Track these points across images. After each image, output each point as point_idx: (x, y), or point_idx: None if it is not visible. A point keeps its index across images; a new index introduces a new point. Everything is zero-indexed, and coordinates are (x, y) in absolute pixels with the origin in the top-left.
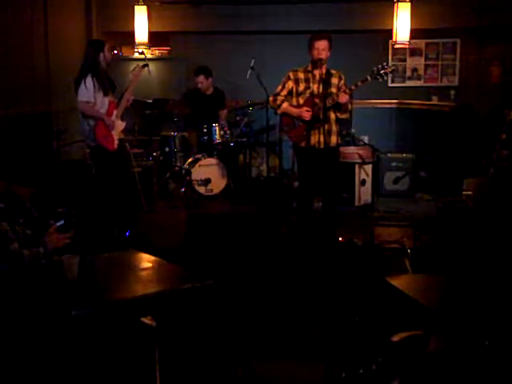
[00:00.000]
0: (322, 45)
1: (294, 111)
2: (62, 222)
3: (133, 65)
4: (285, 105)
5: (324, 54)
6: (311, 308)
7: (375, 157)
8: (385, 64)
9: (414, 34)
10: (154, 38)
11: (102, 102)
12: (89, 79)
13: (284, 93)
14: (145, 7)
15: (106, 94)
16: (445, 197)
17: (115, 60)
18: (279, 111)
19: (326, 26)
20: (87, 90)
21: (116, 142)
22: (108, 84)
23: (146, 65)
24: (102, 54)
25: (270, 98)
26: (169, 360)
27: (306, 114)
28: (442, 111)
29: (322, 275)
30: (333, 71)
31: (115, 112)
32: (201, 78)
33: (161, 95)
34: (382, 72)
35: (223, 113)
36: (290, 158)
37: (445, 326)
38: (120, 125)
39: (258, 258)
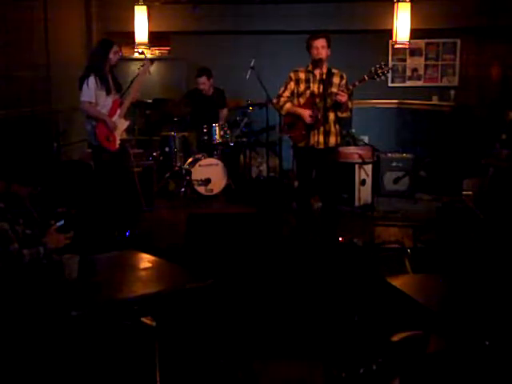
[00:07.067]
0: (320, 43)
1: (298, 110)
2: (62, 222)
3: (133, 65)
4: (288, 105)
5: (324, 53)
6: (311, 308)
7: (375, 157)
8: (382, 64)
9: (414, 34)
10: (154, 38)
11: (105, 102)
12: (91, 79)
13: (286, 94)
14: (145, 7)
15: (108, 94)
16: (445, 197)
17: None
18: (283, 112)
19: (326, 26)
20: (89, 90)
21: (118, 141)
22: (113, 83)
23: (152, 61)
24: (108, 54)
25: (274, 101)
26: (169, 360)
27: (309, 118)
28: (441, 111)
29: (322, 275)
30: (334, 70)
31: (119, 111)
32: (203, 79)
33: (161, 95)
34: (379, 72)
35: (223, 112)
36: (290, 158)
37: (445, 326)
38: (123, 124)
39: (258, 258)
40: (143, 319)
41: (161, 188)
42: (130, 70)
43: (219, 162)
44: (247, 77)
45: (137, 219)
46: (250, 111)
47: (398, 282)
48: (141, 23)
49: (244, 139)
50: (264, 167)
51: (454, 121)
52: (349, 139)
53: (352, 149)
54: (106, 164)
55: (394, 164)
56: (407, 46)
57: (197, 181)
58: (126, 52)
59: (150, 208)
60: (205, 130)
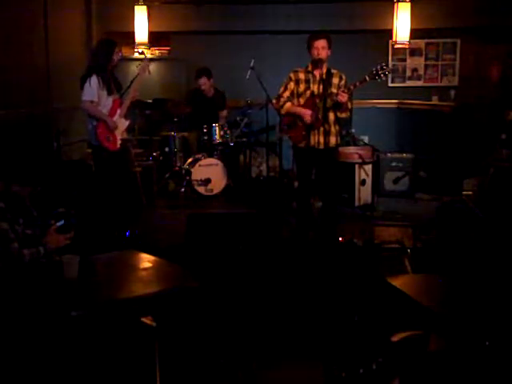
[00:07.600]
0: (320, 43)
1: (298, 110)
2: (62, 222)
3: (132, 65)
4: (288, 105)
5: (324, 53)
6: (311, 308)
7: (375, 157)
8: (383, 64)
9: (414, 34)
10: (154, 38)
11: (106, 101)
12: (94, 78)
13: (286, 94)
14: (145, 7)
15: (109, 94)
16: (445, 197)
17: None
18: (283, 112)
19: (326, 26)
20: (91, 89)
21: (119, 141)
22: (114, 84)
23: (150, 60)
24: (112, 54)
25: (274, 101)
26: (169, 360)
27: (309, 117)
28: (441, 111)
29: (321, 275)
30: (334, 71)
31: (119, 111)
32: (203, 79)
33: (161, 95)
34: (380, 72)
35: (223, 113)
36: (290, 158)
37: (445, 326)
38: (123, 123)
39: (258, 258)
40: (143, 319)
41: (161, 188)
42: (130, 70)
43: (219, 162)
44: (247, 77)
45: (137, 219)
46: (250, 111)
47: (397, 282)
48: (141, 23)
49: (244, 139)
50: (264, 167)
51: (454, 121)
52: (349, 139)
53: (352, 149)
54: (106, 164)
55: (394, 164)
56: (407, 46)
57: (197, 181)
58: (126, 52)
59: (150, 208)
60: (205, 130)
